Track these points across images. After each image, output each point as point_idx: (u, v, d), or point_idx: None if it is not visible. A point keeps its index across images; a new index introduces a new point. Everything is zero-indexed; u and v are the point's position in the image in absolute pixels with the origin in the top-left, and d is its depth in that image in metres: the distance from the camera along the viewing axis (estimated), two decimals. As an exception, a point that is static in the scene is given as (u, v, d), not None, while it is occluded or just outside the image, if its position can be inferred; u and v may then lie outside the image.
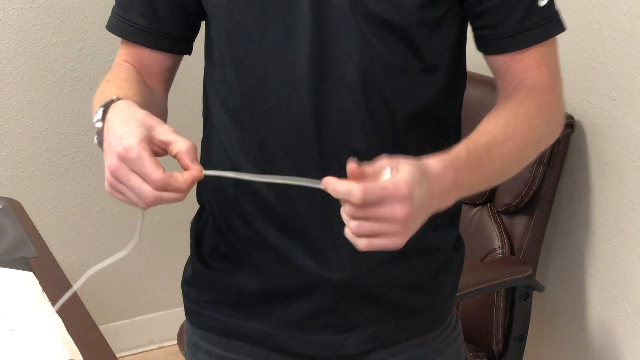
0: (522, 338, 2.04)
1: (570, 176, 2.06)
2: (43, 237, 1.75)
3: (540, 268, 2.16)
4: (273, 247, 1.14)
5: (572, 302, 2.12)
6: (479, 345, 2.05)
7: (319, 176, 0.95)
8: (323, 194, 0.99)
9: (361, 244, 0.89)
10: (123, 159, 0.94)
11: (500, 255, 2.01)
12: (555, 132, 1.13)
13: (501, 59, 1.11)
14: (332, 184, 0.89)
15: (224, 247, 1.19)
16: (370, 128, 1.08)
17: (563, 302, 2.15)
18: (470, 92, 2.11)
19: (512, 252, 2.01)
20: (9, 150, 2.58)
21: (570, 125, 1.98)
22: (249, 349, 1.21)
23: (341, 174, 0.96)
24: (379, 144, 1.08)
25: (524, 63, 1.10)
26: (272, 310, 1.18)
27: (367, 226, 0.88)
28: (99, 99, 1.06)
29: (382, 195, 0.86)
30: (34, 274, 1.56)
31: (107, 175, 0.96)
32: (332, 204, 1.05)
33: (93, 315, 1.46)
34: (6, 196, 2.00)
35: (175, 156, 0.97)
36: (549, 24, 1.10)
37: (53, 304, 1.45)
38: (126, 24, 1.17)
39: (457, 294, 1.86)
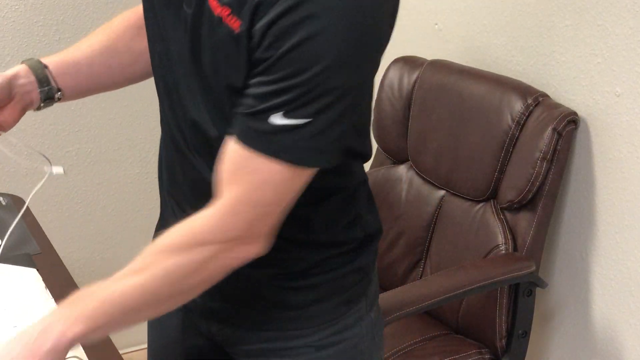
0: (526, 334, 2.03)
1: (574, 172, 2.06)
2: (46, 234, 1.75)
3: (544, 264, 2.16)
4: (172, 211, 1.28)
5: (576, 299, 2.12)
6: (482, 342, 2.05)
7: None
8: (194, 173, 1.18)
9: None
10: None
11: (503, 252, 2.01)
12: (231, 256, 1.09)
13: (226, 141, 1.06)
14: None
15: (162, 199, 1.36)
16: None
17: (566, 299, 2.15)
18: (473, 88, 2.12)
19: (515, 249, 2.01)
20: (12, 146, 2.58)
21: (574, 121, 1.97)
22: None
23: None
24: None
25: (236, 163, 1.05)
26: None
27: None
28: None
29: None
30: (37, 270, 1.56)
31: None
32: (200, 181, 1.17)
33: (97, 312, 1.46)
34: (9, 193, 2.00)
35: None
36: (268, 144, 1.01)
37: (56, 300, 1.45)
38: None
39: (462, 290, 1.88)
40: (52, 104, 1.31)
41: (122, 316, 1.06)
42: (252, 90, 1.01)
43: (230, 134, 1.04)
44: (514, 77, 2.12)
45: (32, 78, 1.26)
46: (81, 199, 2.73)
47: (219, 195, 1.05)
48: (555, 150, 1.95)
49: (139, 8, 1.34)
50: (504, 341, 2.03)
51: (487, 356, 2.03)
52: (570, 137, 1.98)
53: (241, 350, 1.32)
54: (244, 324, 1.29)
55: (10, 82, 1.23)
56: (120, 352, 1.37)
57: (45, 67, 1.27)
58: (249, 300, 1.25)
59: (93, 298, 1.05)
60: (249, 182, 1.03)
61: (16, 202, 1.89)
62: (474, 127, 2.09)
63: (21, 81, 1.24)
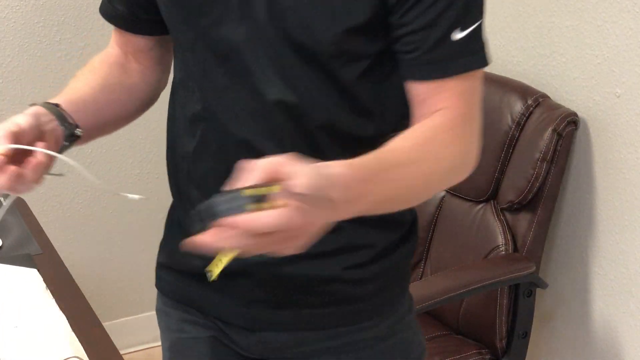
0: (526, 335, 2.04)
1: (574, 173, 2.06)
2: (47, 235, 1.76)
3: (544, 265, 2.16)
4: None
5: (575, 299, 2.12)
6: (483, 342, 2.06)
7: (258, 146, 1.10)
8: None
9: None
10: None
11: (503, 252, 2.01)
12: (466, 166, 1.11)
13: (415, 88, 1.09)
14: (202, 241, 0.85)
15: (182, 218, 1.27)
16: (291, 141, 1.10)
17: (566, 299, 2.16)
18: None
19: (515, 249, 2.02)
20: (13, 147, 2.59)
21: (574, 122, 1.98)
22: (200, 315, 1.30)
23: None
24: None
25: (439, 96, 1.07)
26: (219, 282, 1.16)
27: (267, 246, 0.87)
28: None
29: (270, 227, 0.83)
30: (38, 270, 1.56)
31: None
32: None
33: (97, 312, 1.46)
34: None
35: None
36: (464, 59, 1.06)
37: (57, 300, 1.45)
38: (109, 7, 1.27)
39: (462, 291, 1.89)
40: (73, 143, 1.23)
41: (391, 205, 1.05)
42: (414, 25, 1.04)
43: (405, 78, 1.08)
44: (514, 77, 2.12)
45: (51, 115, 1.17)
46: (82, 199, 2.74)
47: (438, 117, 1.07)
48: (555, 150, 1.95)
49: (107, 50, 1.32)
50: (504, 342, 2.03)
51: (487, 356, 2.04)
52: (570, 138, 1.98)
53: (300, 353, 1.27)
54: (305, 326, 1.24)
55: (37, 118, 1.14)
56: (121, 352, 1.37)
57: (57, 105, 1.20)
58: (314, 300, 1.22)
59: (381, 181, 0.99)
60: (455, 105, 1.07)
61: (16, 202, 1.90)
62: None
63: (43, 118, 1.15)
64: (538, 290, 2.04)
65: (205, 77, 1.16)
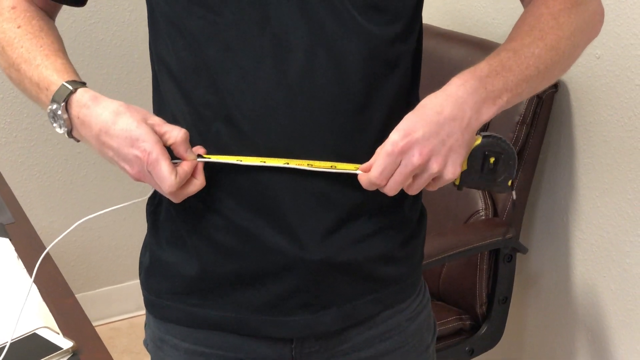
0: (506, 300, 2.03)
1: (554, 136, 2.04)
2: (27, 203, 1.74)
3: (524, 230, 2.15)
4: (240, 228, 1.08)
5: (556, 264, 2.12)
6: (463, 308, 2.05)
7: (294, 149, 1.03)
8: (292, 170, 1.03)
9: (419, 189, 1.04)
10: (144, 163, 1.00)
11: (483, 217, 2.00)
12: (592, 22, 1.16)
13: None
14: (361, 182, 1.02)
15: (184, 232, 1.13)
16: (336, 88, 1.05)
17: (547, 264, 2.15)
18: (453, 52, 2.10)
19: (495, 214, 2.00)
20: (-10, 116, 2.57)
21: (554, 84, 1.96)
22: (218, 338, 1.16)
23: (312, 145, 1.03)
24: (346, 101, 1.06)
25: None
26: (242, 295, 1.13)
27: (413, 185, 1.02)
28: (23, 58, 1.11)
29: (389, 161, 0.99)
30: (10, 240, 1.54)
31: (132, 176, 1.04)
32: (302, 180, 1.05)
33: (79, 282, 1.45)
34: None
35: (170, 146, 1.02)
36: None
37: (28, 270, 1.44)
38: None
39: (441, 256, 1.88)
40: None
41: (529, 85, 1.08)
42: None
43: None
44: (494, 40, 2.10)
45: None
46: (62, 167, 2.72)
47: None
48: (535, 114, 1.94)
49: (29, 5, 1.19)
50: (484, 307, 2.02)
51: (467, 322, 2.03)
52: (550, 101, 1.96)
53: (340, 352, 1.19)
54: (348, 322, 1.17)
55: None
56: (104, 321, 1.34)
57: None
58: (358, 289, 1.15)
59: (512, 71, 1.05)
60: None
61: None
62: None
63: None
64: (519, 255, 2.03)
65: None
